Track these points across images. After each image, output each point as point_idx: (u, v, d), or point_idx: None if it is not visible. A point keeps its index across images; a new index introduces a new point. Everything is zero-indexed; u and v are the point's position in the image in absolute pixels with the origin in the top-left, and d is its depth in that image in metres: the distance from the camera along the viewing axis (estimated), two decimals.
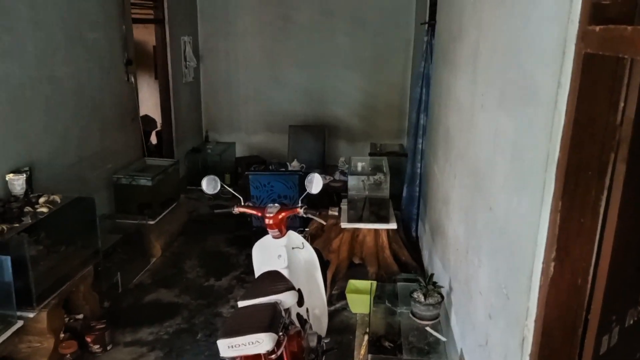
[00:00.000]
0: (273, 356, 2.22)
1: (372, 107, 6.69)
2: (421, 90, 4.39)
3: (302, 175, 4.57)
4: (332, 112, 6.69)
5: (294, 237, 3.07)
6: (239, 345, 2.14)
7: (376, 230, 4.08)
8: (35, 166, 3.58)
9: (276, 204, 2.99)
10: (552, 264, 1.40)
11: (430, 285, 2.85)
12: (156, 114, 6.78)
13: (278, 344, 2.25)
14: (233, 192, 3.09)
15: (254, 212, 2.98)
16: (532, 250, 1.54)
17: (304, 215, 2.95)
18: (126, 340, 3.47)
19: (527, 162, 1.65)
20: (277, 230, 2.91)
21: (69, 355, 3.12)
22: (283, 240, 2.96)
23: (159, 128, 6.82)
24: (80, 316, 3.42)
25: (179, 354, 3.32)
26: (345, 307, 3.86)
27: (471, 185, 2.46)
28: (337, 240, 4.06)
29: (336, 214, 4.34)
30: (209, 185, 2.98)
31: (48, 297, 3.05)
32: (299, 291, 3.00)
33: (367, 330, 3.05)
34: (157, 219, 4.64)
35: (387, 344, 2.95)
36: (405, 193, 4.71)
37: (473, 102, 2.47)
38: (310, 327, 3.00)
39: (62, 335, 3.20)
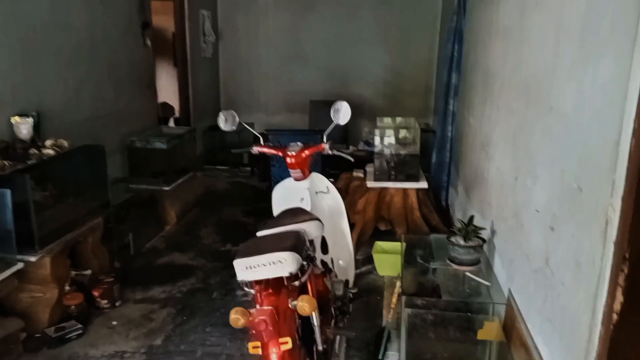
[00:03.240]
0: (296, 282, 1.93)
1: (397, 85, 6.42)
2: (453, 46, 4.11)
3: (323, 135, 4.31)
4: (356, 91, 6.42)
5: (318, 180, 2.80)
6: (259, 266, 1.86)
7: (405, 191, 3.79)
8: (45, 115, 3.39)
9: (299, 143, 2.74)
10: None
11: (471, 226, 2.54)
12: (175, 102, 6.64)
13: (302, 272, 1.97)
14: (252, 129, 2.84)
15: (274, 151, 2.73)
16: (618, 119, 1.25)
17: (330, 153, 2.69)
18: (136, 297, 3.22)
19: (608, 18, 1.37)
20: (299, 170, 2.65)
21: (73, 307, 2.87)
22: (306, 182, 2.69)
23: (177, 115, 6.67)
24: (88, 272, 3.18)
25: (193, 312, 3.06)
26: (372, 271, 3.57)
27: (522, 103, 2.18)
28: (363, 200, 3.78)
29: (361, 175, 4.10)
30: (227, 120, 2.73)
31: (52, 242, 2.82)
32: (323, 239, 2.73)
33: (400, 281, 2.75)
34: (172, 185, 4.41)
35: (419, 302, 2.65)
36: (435, 159, 4.41)
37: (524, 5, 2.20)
38: (336, 276, 2.73)
39: (67, 287, 2.97)
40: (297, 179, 2.70)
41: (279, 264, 1.85)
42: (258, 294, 1.90)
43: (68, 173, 3.10)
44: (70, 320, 2.82)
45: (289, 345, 1.77)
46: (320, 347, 2.08)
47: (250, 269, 1.87)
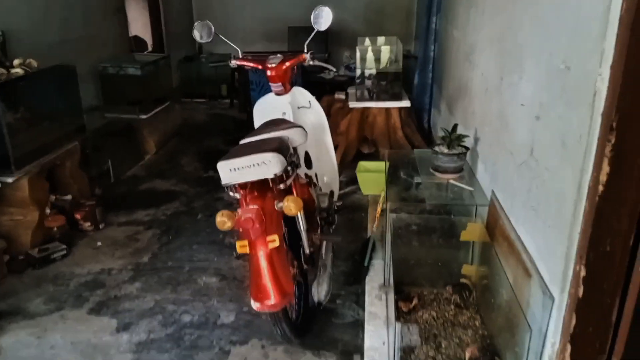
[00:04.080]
0: (282, 185, 1.92)
1: (377, 9, 6.23)
2: None
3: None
4: (335, 16, 6.20)
5: (300, 95, 2.74)
6: (243, 168, 1.84)
7: (387, 111, 3.75)
8: (12, 36, 3.20)
9: (279, 54, 2.65)
10: None
11: (454, 134, 2.53)
12: (147, 37, 6.35)
13: (287, 176, 1.95)
14: (228, 41, 2.73)
15: (253, 64, 2.65)
16: None
17: (311, 63, 2.62)
18: (120, 220, 3.20)
19: None
20: (280, 84, 2.58)
21: (56, 229, 2.84)
22: (287, 97, 2.63)
23: (150, 50, 6.40)
24: (69, 197, 3.13)
25: (178, 232, 3.06)
26: (356, 191, 3.58)
27: None
28: (345, 121, 3.73)
29: (343, 97, 4.04)
30: (202, 31, 2.62)
31: (28, 163, 2.74)
32: (307, 155, 2.70)
33: (384, 192, 2.76)
34: (149, 114, 4.30)
35: (404, 207, 2.68)
36: (417, 81, 4.34)
37: None
38: (320, 190, 2.72)
39: (48, 211, 2.92)
40: (278, 94, 2.63)
41: (264, 165, 1.83)
42: (243, 198, 1.89)
43: (39, 94, 2.97)
44: (54, 242, 2.79)
45: (277, 243, 1.78)
46: (307, 251, 2.09)
47: (234, 171, 1.84)
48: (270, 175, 1.84)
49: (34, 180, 2.76)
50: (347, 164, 3.82)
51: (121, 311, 2.34)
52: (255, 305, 1.79)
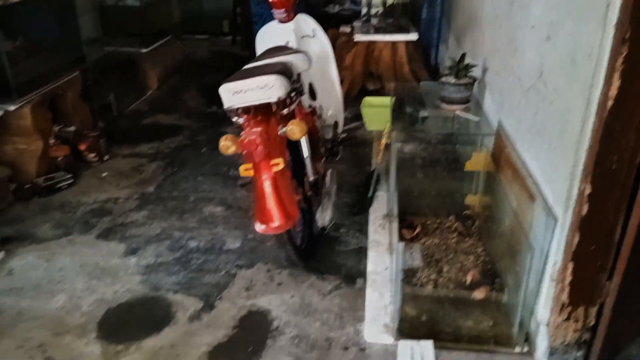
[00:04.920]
0: (285, 110, 1.89)
1: None
2: None
3: None
4: None
5: (304, 23, 2.66)
6: (246, 91, 1.81)
7: (393, 45, 3.66)
8: None
9: None
10: None
11: (462, 64, 2.48)
12: None
13: (290, 101, 1.93)
14: None
15: None
16: None
17: None
18: (124, 153, 3.21)
19: None
20: (283, 10, 2.49)
21: (60, 158, 2.85)
22: (291, 24, 2.55)
23: None
24: (72, 128, 3.11)
25: (182, 164, 3.07)
26: (360, 127, 3.55)
27: None
28: (350, 55, 3.65)
29: (348, 30, 3.94)
30: None
31: (29, 92, 2.71)
32: (311, 86, 2.66)
33: (389, 124, 2.74)
34: (150, 47, 4.21)
35: (409, 137, 2.67)
36: (425, 15, 4.21)
37: None
38: (324, 121, 2.70)
39: (52, 141, 2.91)
40: (281, 21, 2.56)
41: (267, 88, 1.80)
42: (246, 123, 1.86)
43: (37, 21, 2.91)
44: (59, 172, 2.81)
45: (281, 166, 1.77)
46: (311, 178, 2.10)
47: (237, 93, 1.81)
48: (273, 99, 1.81)
49: (37, 109, 2.74)
50: (352, 100, 3.77)
51: (129, 237, 2.38)
52: (259, 227, 1.80)
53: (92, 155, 3.00)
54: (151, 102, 4.05)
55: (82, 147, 2.98)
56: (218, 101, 1.79)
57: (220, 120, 3.65)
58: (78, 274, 2.14)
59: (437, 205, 2.51)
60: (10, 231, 2.42)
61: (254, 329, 1.85)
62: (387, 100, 3.20)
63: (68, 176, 2.77)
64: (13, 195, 2.65)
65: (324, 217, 2.18)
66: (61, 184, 2.73)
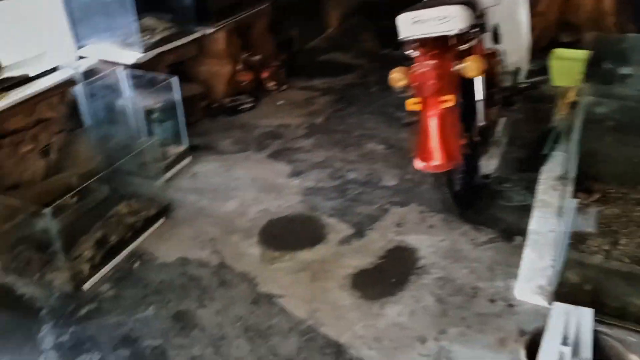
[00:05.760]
0: (464, 46, 1.79)
1: None
2: None
3: None
4: None
5: None
6: (425, 21, 1.74)
7: None
8: None
9: None
10: None
11: None
12: None
13: (470, 37, 1.81)
14: None
15: None
16: None
17: None
18: (299, 85, 3.39)
19: None
20: None
21: (245, 83, 3.11)
22: None
23: None
24: (257, 57, 3.35)
25: (351, 101, 3.13)
26: (544, 82, 3.22)
27: None
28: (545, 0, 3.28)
29: None
30: None
31: (225, 18, 2.98)
32: (495, 28, 2.46)
33: (580, 77, 2.43)
34: None
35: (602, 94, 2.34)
36: None
37: None
38: (506, 67, 2.50)
39: (239, 66, 3.18)
40: None
41: (448, 19, 1.71)
42: (421, 56, 1.80)
43: None
44: (243, 95, 3.07)
45: (451, 103, 1.70)
46: (481, 123, 1.98)
47: (416, 23, 1.76)
48: (454, 31, 1.72)
49: (230, 35, 3.01)
50: (539, 51, 3.42)
51: (295, 160, 2.55)
52: (419, 164, 1.77)
53: (272, 83, 3.22)
54: (329, 40, 4.17)
55: (264, 75, 3.21)
56: (392, 43, 1.76)
57: (393, 62, 3.59)
58: (250, 186, 2.36)
59: (624, 173, 2.20)
60: (197, 141, 2.75)
61: (400, 263, 1.87)
62: (580, 54, 2.83)
63: (250, 99, 3.02)
64: (202, 111, 2.98)
65: (489, 165, 2.06)
66: (243, 106, 3.00)
